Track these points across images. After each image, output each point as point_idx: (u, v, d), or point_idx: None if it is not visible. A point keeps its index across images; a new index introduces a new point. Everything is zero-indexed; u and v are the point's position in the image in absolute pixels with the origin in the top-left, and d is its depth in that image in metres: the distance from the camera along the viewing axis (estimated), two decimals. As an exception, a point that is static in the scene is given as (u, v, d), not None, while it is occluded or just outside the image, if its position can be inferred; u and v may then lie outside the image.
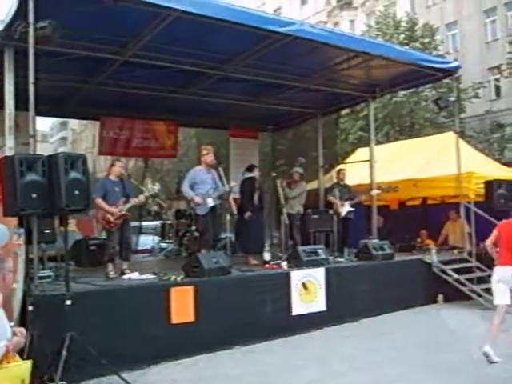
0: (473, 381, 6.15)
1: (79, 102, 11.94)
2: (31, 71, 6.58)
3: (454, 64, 11.65)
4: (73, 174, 5.98)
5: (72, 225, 12.73)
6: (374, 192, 11.97)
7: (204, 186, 9.30)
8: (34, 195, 5.78)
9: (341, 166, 12.68)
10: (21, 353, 5.68)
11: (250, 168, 10.71)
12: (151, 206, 13.95)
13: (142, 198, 8.73)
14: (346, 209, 11.34)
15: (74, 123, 65.47)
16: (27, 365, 3.43)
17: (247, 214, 10.18)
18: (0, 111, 7.59)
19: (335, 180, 12.25)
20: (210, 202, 9.21)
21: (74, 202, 5.96)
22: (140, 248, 13.60)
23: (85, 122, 52.22)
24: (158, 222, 14.83)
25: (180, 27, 7.96)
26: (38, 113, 7.79)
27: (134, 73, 9.90)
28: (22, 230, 6.20)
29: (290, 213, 10.68)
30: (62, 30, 6.83)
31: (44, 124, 58.32)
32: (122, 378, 6.26)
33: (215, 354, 7.43)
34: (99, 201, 8.35)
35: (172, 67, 9.58)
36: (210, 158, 9.47)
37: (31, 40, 6.56)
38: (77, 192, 5.96)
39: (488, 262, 10.99)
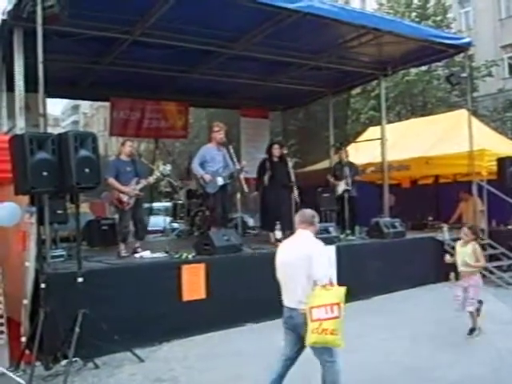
0: (480, 357, 6.14)
1: (89, 83, 11.96)
2: (40, 50, 6.60)
3: (466, 40, 11.47)
4: (83, 152, 5.97)
5: (85, 207, 12.82)
6: (369, 170, 11.97)
7: (214, 164, 9.24)
8: (45, 173, 5.77)
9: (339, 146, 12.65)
10: (35, 329, 5.81)
11: (268, 148, 10.54)
12: (163, 187, 13.98)
13: (151, 179, 8.71)
14: (340, 188, 11.25)
15: (85, 107, 65.54)
16: (344, 289, 4.38)
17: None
18: (11, 93, 7.65)
19: (337, 159, 12.20)
20: (220, 181, 9.16)
21: (85, 180, 5.97)
22: (151, 229, 13.63)
23: (96, 105, 52.47)
24: (169, 203, 14.86)
25: (188, 5, 7.94)
26: (49, 95, 7.83)
27: (143, 53, 9.90)
28: (33, 209, 6.22)
29: None
30: (70, 9, 6.82)
31: (56, 108, 58.32)
32: (135, 354, 6.34)
33: (227, 331, 7.48)
34: (112, 181, 8.34)
35: (181, 46, 9.55)
36: (220, 135, 9.38)
37: (39, 18, 6.56)
38: (87, 170, 5.96)
39: (500, 240, 11.00)
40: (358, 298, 9.06)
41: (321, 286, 4.38)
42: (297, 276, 4.54)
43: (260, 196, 10.56)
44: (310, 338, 4.33)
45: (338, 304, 4.33)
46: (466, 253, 7.11)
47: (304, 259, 4.48)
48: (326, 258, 4.57)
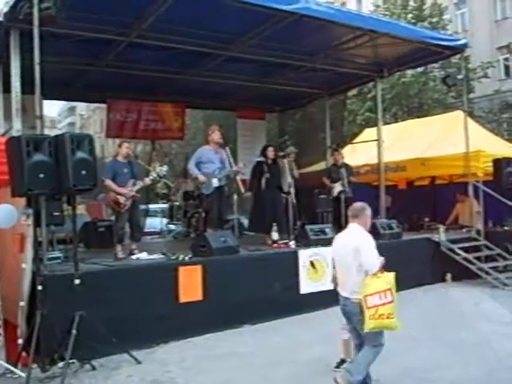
0: (478, 357, 6.15)
1: (86, 85, 11.92)
2: (36, 51, 6.59)
3: (462, 41, 11.48)
4: (79, 154, 5.98)
5: (81, 209, 12.83)
6: (364, 169, 12.05)
7: (210, 166, 9.25)
8: (42, 175, 5.76)
9: (335, 148, 12.68)
10: (31, 331, 5.81)
11: (262, 150, 10.56)
12: (159, 188, 14.00)
13: (147, 180, 8.71)
14: (336, 189, 11.25)
15: (81, 108, 65.57)
16: (393, 275, 4.77)
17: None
18: (8, 95, 7.64)
19: (332, 161, 12.23)
20: (215, 182, 9.17)
21: (82, 182, 5.97)
22: (148, 230, 13.62)
23: (92, 107, 52.40)
24: (166, 205, 14.86)
25: (183, 7, 7.94)
26: (46, 96, 7.82)
27: (139, 54, 9.87)
28: (30, 211, 6.21)
29: None
30: (66, 11, 6.82)
31: (52, 110, 58.17)
32: (132, 356, 6.33)
33: (224, 332, 7.48)
34: (109, 182, 8.36)
35: (177, 48, 9.54)
36: (216, 135, 9.43)
37: (35, 20, 6.56)
38: (84, 172, 5.96)
39: (496, 241, 11.03)
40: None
41: (372, 274, 4.74)
42: (347, 267, 4.94)
43: (254, 198, 10.55)
44: (368, 324, 4.68)
45: (389, 289, 4.69)
46: None
47: (350, 251, 4.87)
48: (372, 248, 4.88)
